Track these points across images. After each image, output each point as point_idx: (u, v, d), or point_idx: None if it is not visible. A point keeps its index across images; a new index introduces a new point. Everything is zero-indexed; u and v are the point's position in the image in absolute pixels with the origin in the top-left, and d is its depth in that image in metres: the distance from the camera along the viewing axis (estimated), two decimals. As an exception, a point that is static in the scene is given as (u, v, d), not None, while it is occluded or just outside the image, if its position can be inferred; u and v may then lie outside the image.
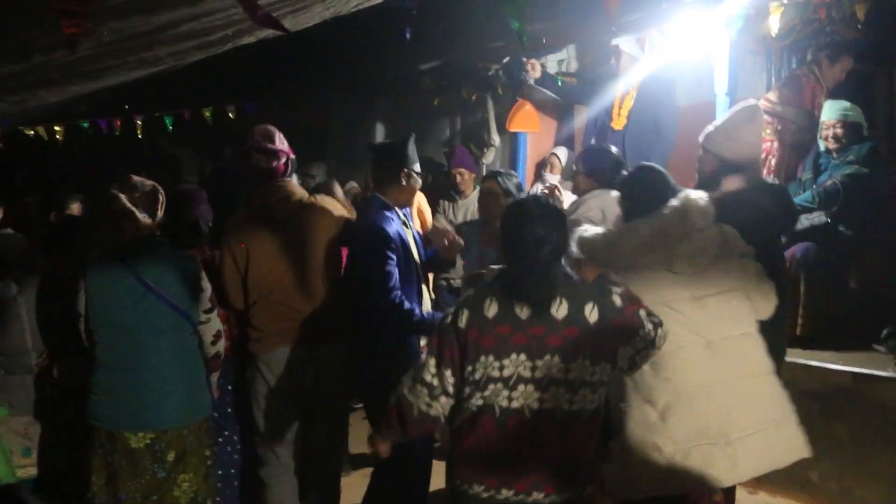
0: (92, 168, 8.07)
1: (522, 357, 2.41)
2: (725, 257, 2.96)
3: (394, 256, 3.47)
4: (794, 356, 4.34)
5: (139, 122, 7.61)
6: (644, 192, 3.08)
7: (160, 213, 3.35)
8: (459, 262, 4.40)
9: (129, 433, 3.22)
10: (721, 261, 2.94)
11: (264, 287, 3.64)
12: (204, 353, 3.43)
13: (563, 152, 6.66)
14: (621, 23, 5.21)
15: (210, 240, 3.96)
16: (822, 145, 4.91)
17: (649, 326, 2.57)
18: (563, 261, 2.54)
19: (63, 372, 3.79)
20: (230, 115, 7.64)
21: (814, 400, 4.28)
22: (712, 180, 3.56)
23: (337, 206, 3.84)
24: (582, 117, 6.34)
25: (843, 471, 4.21)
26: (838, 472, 4.22)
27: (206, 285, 3.39)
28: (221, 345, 3.47)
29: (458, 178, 6.59)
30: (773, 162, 5.34)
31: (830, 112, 4.84)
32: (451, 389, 2.49)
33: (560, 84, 5.96)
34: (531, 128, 7.12)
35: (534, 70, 5.70)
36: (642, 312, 2.58)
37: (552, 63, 6.85)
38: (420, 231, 4.17)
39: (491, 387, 2.42)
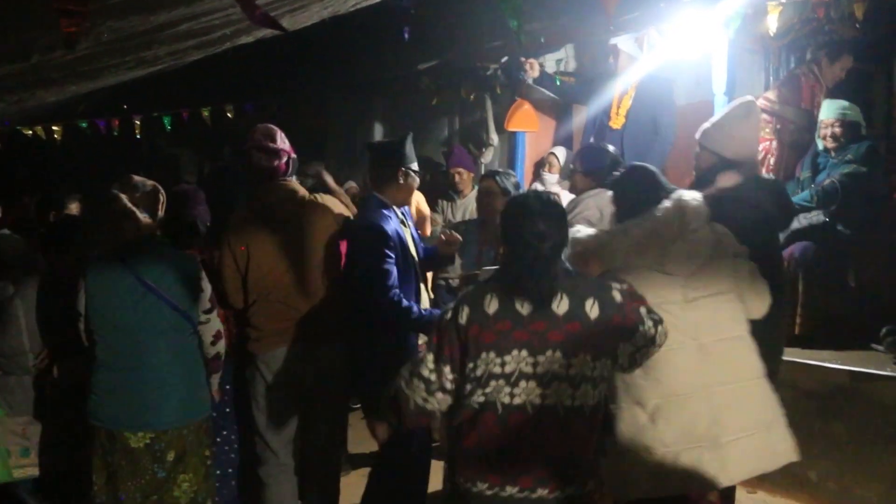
0: (91, 168, 8.07)
1: (524, 353, 2.40)
2: (719, 258, 2.95)
3: (392, 255, 3.47)
4: (793, 355, 4.34)
5: (137, 122, 7.61)
6: (636, 193, 3.07)
7: (161, 213, 3.35)
8: (457, 262, 4.40)
9: (128, 433, 3.23)
10: (714, 261, 2.94)
11: (264, 286, 3.64)
12: (204, 354, 3.43)
13: (561, 152, 6.67)
14: (620, 22, 5.21)
15: (208, 240, 3.97)
16: (820, 144, 4.91)
17: (649, 323, 2.57)
18: (563, 256, 2.54)
19: (63, 372, 3.79)
20: (229, 114, 7.64)
21: (812, 399, 4.29)
22: (709, 177, 3.56)
23: (338, 204, 3.84)
24: (580, 117, 6.35)
25: (841, 470, 4.21)
26: (837, 471, 4.22)
27: (206, 285, 3.39)
28: (222, 345, 3.47)
29: (457, 178, 6.60)
30: (773, 161, 5.34)
31: (829, 111, 4.84)
32: (448, 386, 2.48)
33: (558, 83, 5.97)
34: (529, 127, 7.12)
35: (532, 69, 5.71)
36: (643, 310, 2.58)
37: (550, 62, 6.85)
38: (419, 230, 4.17)
39: (492, 383, 2.42)
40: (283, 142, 3.71)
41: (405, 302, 3.44)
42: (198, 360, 3.41)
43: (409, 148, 3.69)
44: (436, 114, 7.81)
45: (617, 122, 5.48)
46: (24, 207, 7.15)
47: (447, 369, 2.47)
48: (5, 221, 5.80)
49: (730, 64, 5.11)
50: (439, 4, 5.87)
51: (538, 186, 6.38)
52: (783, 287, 3.66)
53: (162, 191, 3.37)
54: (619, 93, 5.49)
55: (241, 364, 3.76)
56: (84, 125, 7.57)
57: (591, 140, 5.49)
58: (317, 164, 5.01)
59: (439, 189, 6.86)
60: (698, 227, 2.93)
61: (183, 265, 3.36)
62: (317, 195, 3.80)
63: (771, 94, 5.41)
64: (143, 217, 3.26)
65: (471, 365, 2.44)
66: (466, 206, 6.41)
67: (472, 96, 7.37)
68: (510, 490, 2.42)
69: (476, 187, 5.90)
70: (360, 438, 3.83)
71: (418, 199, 6.22)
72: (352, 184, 6.48)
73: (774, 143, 5.35)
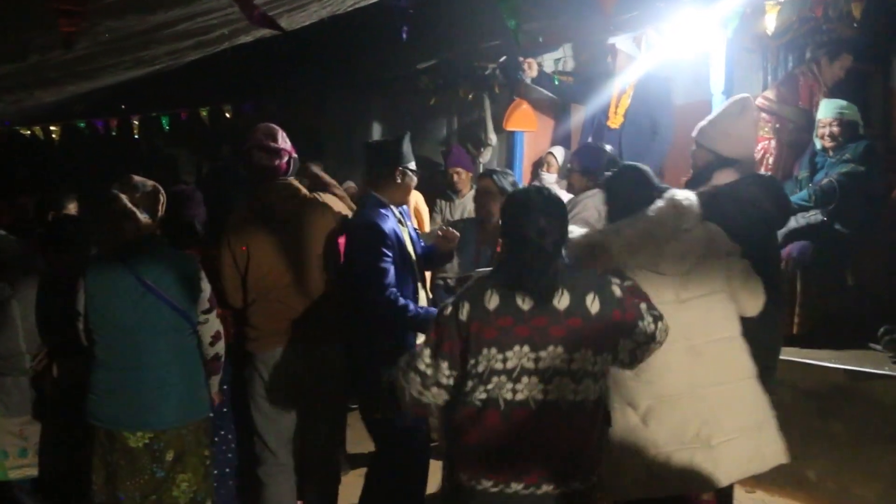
0: (90, 168, 8.06)
1: (525, 349, 2.40)
2: (711, 257, 2.95)
3: (389, 253, 3.46)
4: (791, 355, 4.34)
5: (136, 123, 7.61)
6: (627, 192, 3.07)
7: (161, 214, 3.35)
8: (455, 261, 4.40)
9: (127, 432, 3.23)
10: (707, 261, 2.93)
11: (264, 286, 3.64)
12: (203, 355, 3.43)
13: (559, 151, 6.68)
14: (618, 21, 5.22)
15: (206, 239, 3.96)
16: (818, 144, 4.91)
17: (649, 319, 2.57)
18: (563, 251, 2.53)
19: (63, 372, 3.79)
20: (227, 114, 7.64)
21: (811, 398, 4.29)
22: (705, 175, 3.56)
23: (338, 203, 3.84)
24: (579, 116, 6.35)
25: (840, 469, 4.21)
26: (835, 470, 4.23)
27: (206, 286, 3.39)
28: (221, 346, 3.47)
29: (455, 178, 6.60)
30: (772, 160, 5.34)
31: (826, 110, 4.84)
32: (444, 381, 2.48)
33: (557, 83, 5.97)
34: (528, 127, 7.12)
35: (530, 69, 5.71)
36: (643, 306, 2.58)
37: (549, 62, 6.85)
38: (417, 229, 4.17)
39: (494, 380, 2.41)
40: (284, 141, 3.71)
41: (401, 300, 3.44)
42: (197, 360, 3.41)
43: (407, 147, 3.69)
44: (434, 113, 7.81)
45: (615, 122, 5.48)
46: (23, 208, 7.12)
47: (444, 365, 2.47)
48: (2, 222, 5.78)
49: (728, 63, 5.11)
50: (438, 4, 5.87)
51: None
52: (780, 285, 3.66)
53: (162, 191, 3.37)
54: (617, 92, 5.49)
55: (239, 364, 3.75)
56: (82, 125, 7.56)
57: (590, 139, 5.49)
58: (312, 165, 5.00)
59: (438, 189, 6.86)
60: (691, 226, 2.93)
61: (182, 265, 3.36)
62: (318, 194, 3.80)
63: (770, 93, 5.41)
64: (144, 217, 3.26)
65: (472, 361, 2.44)
66: (465, 205, 6.41)
67: (470, 96, 7.37)
68: (515, 487, 2.41)
69: (474, 187, 5.90)
70: (359, 438, 3.83)
71: (417, 199, 6.22)
72: (350, 183, 6.47)
73: (773, 143, 5.35)
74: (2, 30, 2.90)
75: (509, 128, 7.11)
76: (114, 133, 7.68)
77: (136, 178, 3.33)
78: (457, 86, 7.38)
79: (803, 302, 4.68)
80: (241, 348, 3.72)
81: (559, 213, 2.51)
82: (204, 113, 7.60)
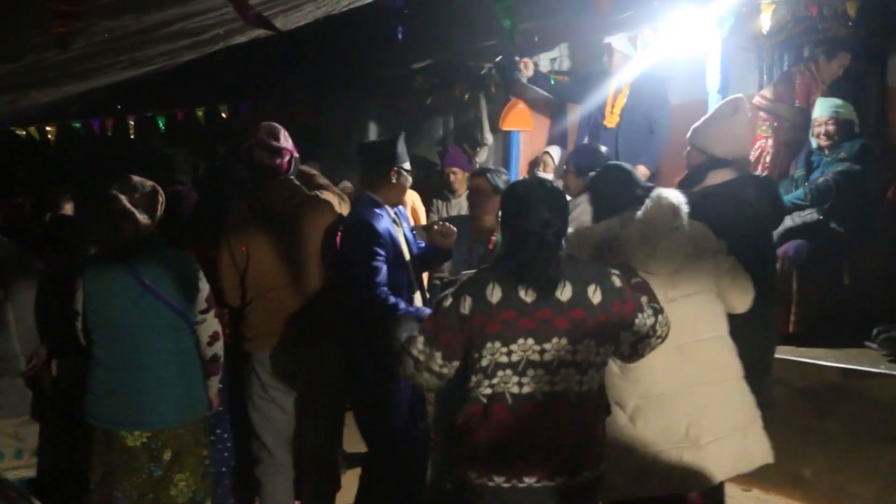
0: (87, 168, 8.05)
1: (530, 341, 2.39)
2: (699, 256, 2.96)
3: (382, 252, 3.46)
4: (787, 353, 4.35)
5: (132, 123, 7.60)
6: (611, 192, 3.08)
7: (160, 214, 3.35)
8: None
9: (125, 432, 3.24)
10: (695, 259, 2.94)
11: (263, 285, 3.64)
12: (201, 355, 3.43)
13: (555, 151, 6.68)
14: (614, 21, 5.22)
15: (204, 240, 3.95)
16: (814, 143, 4.93)
17: (648, 312, 2.55)
18: (563, 243, 2.53)
19: (62, 372, 3.79)
20: (223, 115, 7.63)
21: (807, 397, 4.30)
22: (698, 175, 3.56)
23: (339, 202, 3.84)
24: (575, 116, 6.36)
25: (836, 467, 4.22)
26: (831, 468, 4.24)
27: (204, 285, 3.39)
28: (219, 347, 3.47)
29: (452, 177, 6.59)
30: (768, 159, 5.35)
31: (822, 109, 4.85)
32: (436, 369, 2.47)
33: (553, 82, 5.98)
34: (524, 126, 7.12)
35: (526, 68, 5.72)
36: (643, 299, 2.58)
37: (545, 61, 6.85)
38: (414, 227, 4.17)
39: (500, 373, 2.41)
40: (286, 140, 3.71)
41: (392, 298, 3.44)
42: (196, 360, 3.41)
43: (402, 147, 3.69)
44: (430, 113, 7.80)
45: (611, 121, 5.49)
46: (18, 208, 7.11)
47: (438, 355, 2.46)
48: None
49: (723, 62, 5.11)
50: (433, 4, 5.86)
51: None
52: (774, 283, 3.66)
53: (161, 191, 3.36)
54: (613, 91, 5.50)
55: (236, 364, 3.75)
56: (78, 126, 7.55)
57: (586, 139, 5.50)
58: (305, 165, 5.00)
59: (434, 189, 6.85)
60: (679, 225, 2.93)
61: (181, 265, 3.36)
62: (320, 191, 3.80)
63: (767, 92, 5.43)
64: (143, 218, 3.26)
65: (476, 356, 2.43)
66: (461, 205, 6.40)
67: (466, 95, 7.37)
68: (528, 480, 2.40)
69: (470, 186, 5.89)
70: (357, 438, 3.82)
71: (413, 199, 6.22)
72: (347, 183, 6.46)
73: (770, 142, 5.36)
74: (-2, 30, 2.89)
75: (505, 127, 7.11)
76: (110, 133, 7.66)
77: (136, 178, 3.33)
78: (453, 86, 7.37)
79: (799, 300, 4.68)
80: (238, 348, 3.72)
81: (561, 205, 2.52)
82: (200, 113, 7.59)
